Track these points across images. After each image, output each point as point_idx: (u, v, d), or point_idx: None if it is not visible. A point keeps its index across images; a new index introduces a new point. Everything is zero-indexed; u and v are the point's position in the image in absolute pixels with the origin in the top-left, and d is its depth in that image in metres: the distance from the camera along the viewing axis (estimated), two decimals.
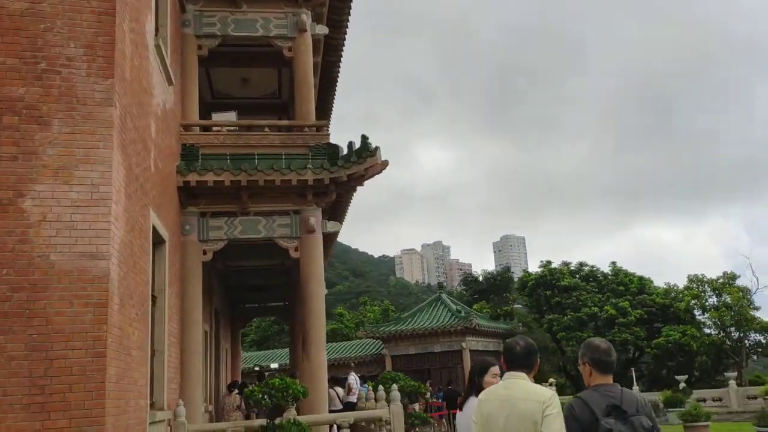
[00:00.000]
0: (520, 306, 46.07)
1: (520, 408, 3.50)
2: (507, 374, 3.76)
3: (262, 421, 10.02)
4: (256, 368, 31.73)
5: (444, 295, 38.17)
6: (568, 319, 40.93)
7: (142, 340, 8.13)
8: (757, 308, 39.41)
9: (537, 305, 43.55)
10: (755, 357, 40.33)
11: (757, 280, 42.27)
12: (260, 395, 9.57)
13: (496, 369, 4.61)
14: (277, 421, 9.79)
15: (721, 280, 39.45)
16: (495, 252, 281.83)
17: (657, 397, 26.97)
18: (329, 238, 16.07)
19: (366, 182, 12.96)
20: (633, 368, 36.19)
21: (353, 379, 16.98)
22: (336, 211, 14.25)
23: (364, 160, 12.51)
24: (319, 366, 12.51)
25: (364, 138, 12.71)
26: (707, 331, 37.92)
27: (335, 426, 11.77)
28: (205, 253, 12.45)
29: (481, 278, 46.12)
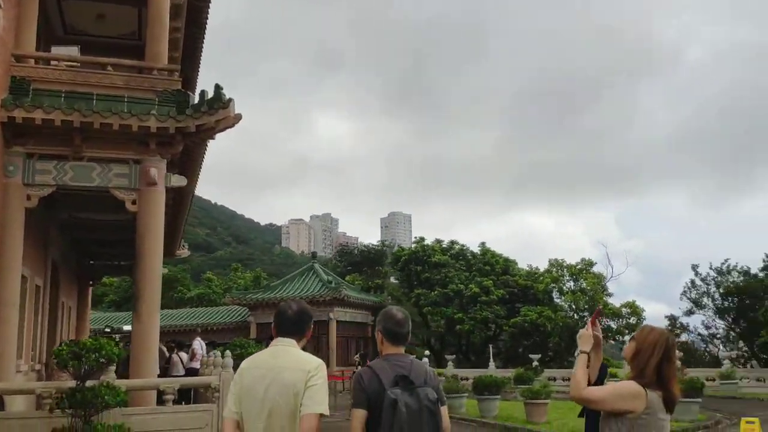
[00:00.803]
0: (394, 280, 46.68)
1: (283, 378, 3.21)
2: (275, 340, 3.44)
3: (73, 383, 9.22)
4: (107, 329, 30.15)
5: (317, 265, 37.97)
6: (435, 295, 41.89)
7: None
8: (609, 294, 42.12)
9: (408, 280, 44.30)
10: (605, 341, 43.15)
11: (612, 268, 45.04)
12: (67, 355, 8.72)
13: None
14: (89, 383, 9.04)
15: (579, 266, 41.72)
16: (382, 228, 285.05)
17: (510, 374, 28.10)
18: (181, 195, 15.22)
19: (236, 140, 12.28)
20: (491, 345, 37.59)
21: (198, 344, 16.31)
22: (185, 165, 13.38)
23: (216, 111, 11.75)
24: (151, 329, 11.73)
25: (217, 87, 11.93)
26: (563, 313, 40.00)
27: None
28: (29, 198, 11.34)
29: (356, 251, 46.25)
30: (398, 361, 3.52)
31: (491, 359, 34.75)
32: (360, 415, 3.36)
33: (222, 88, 11.92)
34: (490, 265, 43.93)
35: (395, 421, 3.25)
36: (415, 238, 47.59)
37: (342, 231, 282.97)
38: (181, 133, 11.80)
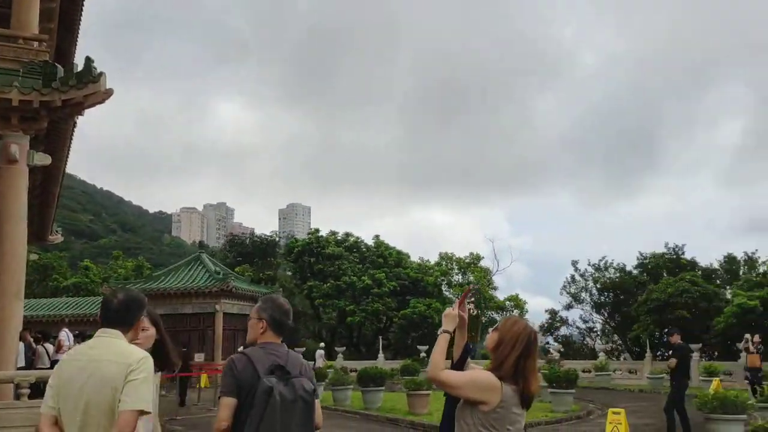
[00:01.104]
0: (288, 272, 46.01)
1: (103, 371, 2.95)
2: (99, 331, 3.18)
3: None
4: None
5: (204, 255, 36.68)
6: (327, 287, 41.69)
7: None
8: (495, 288, 43.55)
9: (301, 272, 43.81)
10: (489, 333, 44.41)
11: (498, 262, 46.45)
12: None
13: None
14: None
15: (468, 260, 42.84)
16: (280, 219, 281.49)
17: (398, 365, 28.33)
18: (50, 176, 14.16)
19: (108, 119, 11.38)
20: (381, 337, 37.84)
21: (65, 335, 15.27)
22: (52, 143, 12.37)
23: (85, 85, 10.88)
24: (10, 318, 10.82)
25: (88, 60, 11.06)
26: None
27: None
28: None
29: (247, 241, 45.16)
30: (274, 350, 3.46)
31: (380, 351, 34.96)
32: (229, 403, 3.23)
33: (93, 61, 11.07)
34: (384, 257, 44.24)
35: (268, 410, 3.16)
36: (310, 229, 47.08)
37: (238, 221, 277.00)
38: (46, 107, 10.85)
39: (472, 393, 3.23)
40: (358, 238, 46.14)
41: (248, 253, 42.27)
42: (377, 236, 46.05)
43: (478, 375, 3.33)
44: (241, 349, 4.19)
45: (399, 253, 45.09)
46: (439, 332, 3.54)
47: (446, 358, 3.48)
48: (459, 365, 3.82)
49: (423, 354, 33.12)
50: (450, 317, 3.56)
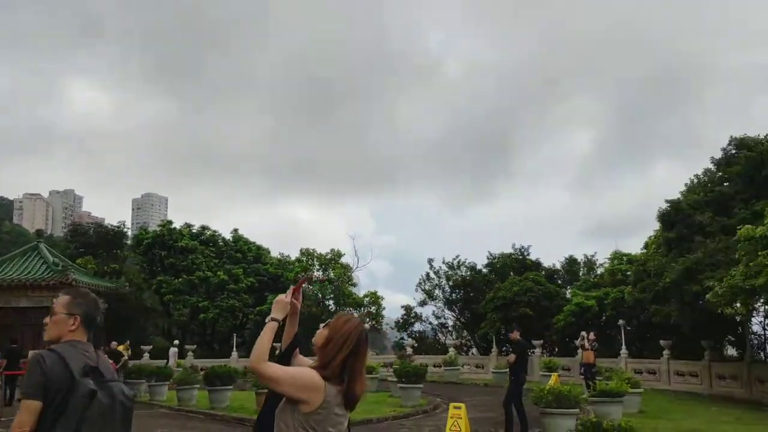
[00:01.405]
0: (137, 265, 43.53)
1: None
2: None
3: None
4: None
5: (43, 245, 33.86)
6: (179, 282, 39.93)
7: None
8: (354, 284, 43.78)
9: (150, 265, 41.63)
10: None
11: (359, 259, 46.72)
12: None
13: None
14: None
15: (329, 256, 42.75)
16: (134, 209, 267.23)
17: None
18: None
19: None
20: (236, 334, 36.87)
21: None
22: None
23: None
24: None
25: None
26: (309, 302, 40.50)
27: None
28: None
29: (91, 231, 42.17)
30: (86, 350, 3.23)
31: (234, 349, 34.03)
32: (34, 407, 2.92)
33: None
34: (242, 252, 43.08)
35: (89, 415, 2.93)
36: (162, 221, 44.81)
37: (87, 210, 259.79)
38: None
39: (292, 390, 2.98)
40: (215, 231, 44.57)
41: (92, 244, 39.40)
42: (236, 230, 44.78)
43: (301, 372, 3.08)
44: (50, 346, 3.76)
45: (259, 248, 44.08)
46: (267, 320, 3.28)
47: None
48: (285, 357, 3.61)
49: (278, 351, 32.49)
50: (280, 304, 3.34)
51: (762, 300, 20.93)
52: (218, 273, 40.33)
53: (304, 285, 3.73)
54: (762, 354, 28.58)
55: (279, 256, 45.00)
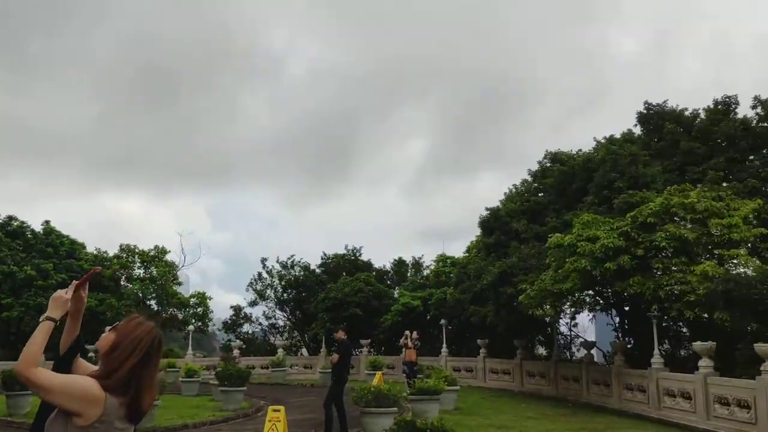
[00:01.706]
0: None
1: None
2: None
3: None
4: None
5: None
6: None
7: None
8: (180, 284, 41.89)
9: None
10: (172, 331, 42.19)
11: (185, 257, 44.74)
12: None
13: None
14: None
15: (153, 253, 40.55)
16: None
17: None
18: None
19: None
20: None
21: None
22: None
23: None
24: None
25: None
26: (129, 301, 38.12)
27: None
28: None
29: None
30: None
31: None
32: None
33: None
34: (54, 246, 39.51)
35: None
36: None
37: None
38: None
39: (64, 401, 2.62)
40: (23, 222, 40.48)
41: None
42: (47, 222, 40.97)
43: (76, 381, 2.69)
44: None
45: (73, 242, 40.68)
46: (41, 319, 2.85)
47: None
48: (64, 362, 3.18)
49: (91, 354, 30.28)
50: (59, 302, 2.88)
51: (568, 303, 22.85)
52: (25, 268, 36.70)
53: (88, 281, 3.30)
54: (567, 353, 31.28)
55: (95, 252, 41.93)
